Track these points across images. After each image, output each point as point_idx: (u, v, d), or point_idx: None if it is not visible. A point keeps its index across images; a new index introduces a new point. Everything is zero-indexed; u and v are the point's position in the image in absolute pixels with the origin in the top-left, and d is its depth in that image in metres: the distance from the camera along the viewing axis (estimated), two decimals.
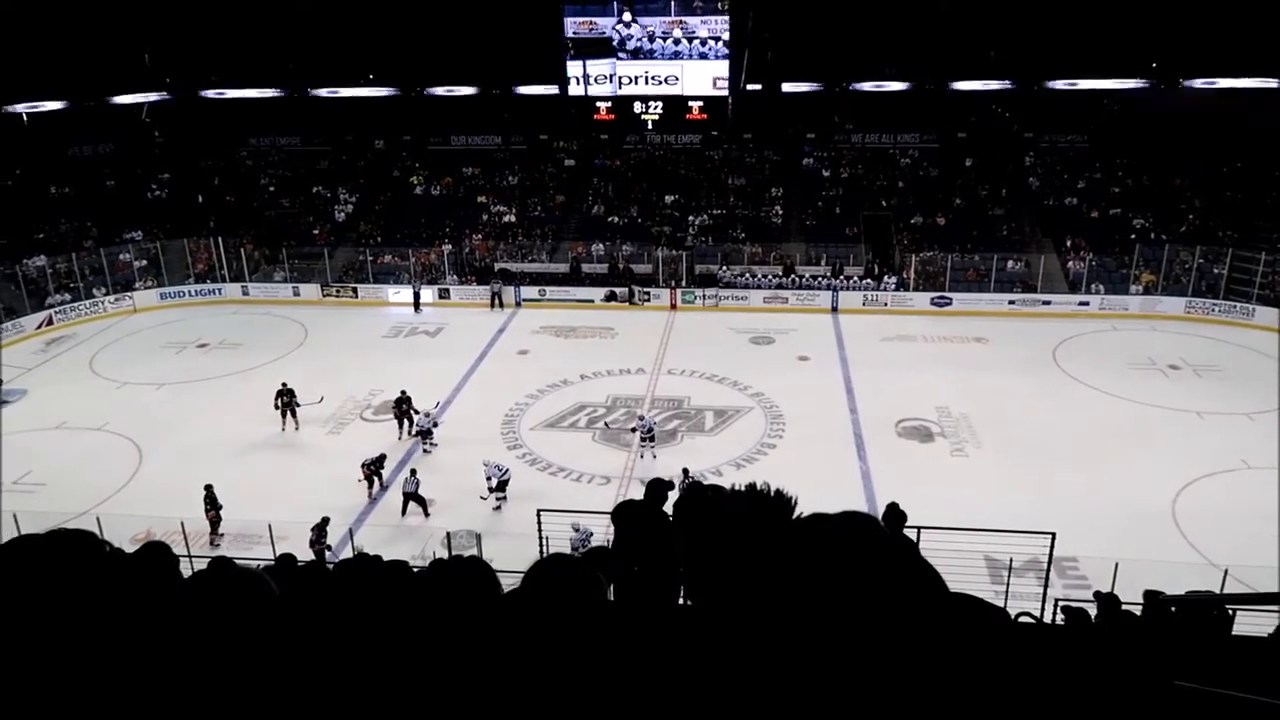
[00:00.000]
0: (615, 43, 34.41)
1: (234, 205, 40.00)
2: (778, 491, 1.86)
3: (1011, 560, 14.34)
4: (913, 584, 1.54)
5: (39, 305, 32.82)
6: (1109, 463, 20.86)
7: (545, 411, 24.51)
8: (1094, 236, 34.96)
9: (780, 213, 38.43)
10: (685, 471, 18.64)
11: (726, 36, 33.84)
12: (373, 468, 19.97)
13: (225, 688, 1.67)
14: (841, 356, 28.81)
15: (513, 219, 39.05)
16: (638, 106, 36.42)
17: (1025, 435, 22.43)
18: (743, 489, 1.92)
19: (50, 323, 32.48)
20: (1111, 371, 26.70)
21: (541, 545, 14.00)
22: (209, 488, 18.39)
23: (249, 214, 39.44)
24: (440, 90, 40.71)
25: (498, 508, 19.18)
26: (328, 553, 16.84)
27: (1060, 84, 37.57)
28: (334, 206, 40.21)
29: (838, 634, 1.41)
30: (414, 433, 22.55)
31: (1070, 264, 34.15)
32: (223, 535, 18.33)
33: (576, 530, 15.69)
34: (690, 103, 36.46)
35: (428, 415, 22.46)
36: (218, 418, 24.38)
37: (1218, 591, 12.49)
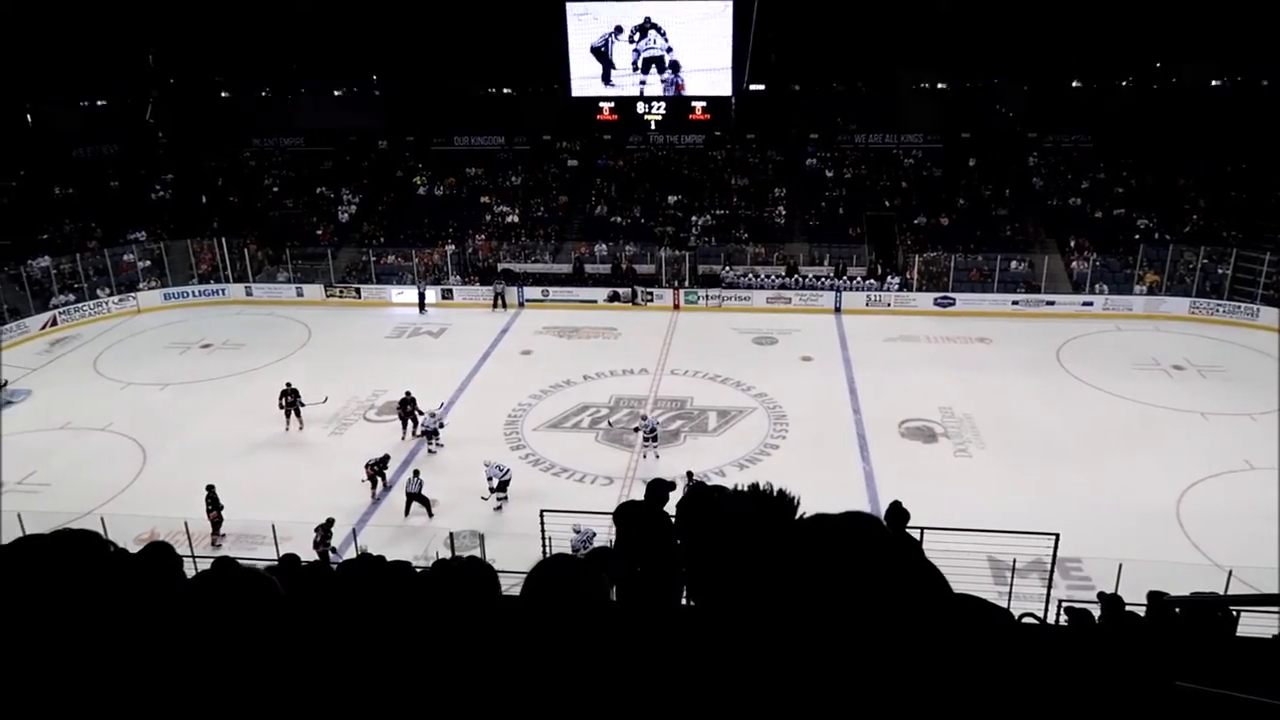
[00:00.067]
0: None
1: (238, 206, 40.06)
2: (781, 492, 1.86)
3: (1015, 561, 14.30)
4: (916, 585, 1.54)
5: (43, 306, 32.88)
6: (1113, 463, 20.82)
7: (548, 412, 24.51)
8: (1098, 237, 34.91)
9: (783, 213, 38.41)
10: (689, 474, 18.59)
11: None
12: (376, 468, 19.98)
13: (229, 687, 1.67)
14: (845, 357, 28.78)
15: (516, 219, 39.06)
16: (641, 107, 36.49)
17: (1029, 436, 22.40)
18: (746, 489, 1.92)
19: (54, 323, 32.54)
20: (1115, 372, 26.65)
21: (544, 546, 14.00)
22: (210, 488, 18.39)
23: (253, 214, 39.48)
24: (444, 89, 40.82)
25: (499, 508, 19.18)
26: (332, 554, 16.82)
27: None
28: (337, 207, 40.25)
29: (841, 634, 1.41)
30: (419, 433, 22.57)
31: (1074, 264, 34.10)
32: (224, 536, 18.31)
33: (577, 532, 15.64)
34: (693, 103, 36.54)
35: (433, 416, 22.47)
36: (221, 418, 24.41)
37: (1222, 592, 12.45)
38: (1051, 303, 32.71)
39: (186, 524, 16.80)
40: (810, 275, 34.86)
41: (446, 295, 35.14)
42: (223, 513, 18.34)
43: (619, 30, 35.71)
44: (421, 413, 22.73)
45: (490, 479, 19.33)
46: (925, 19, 37.00)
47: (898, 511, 8.45)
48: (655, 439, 21.75)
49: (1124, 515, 18.26)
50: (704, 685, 1.53)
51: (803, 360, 28.59)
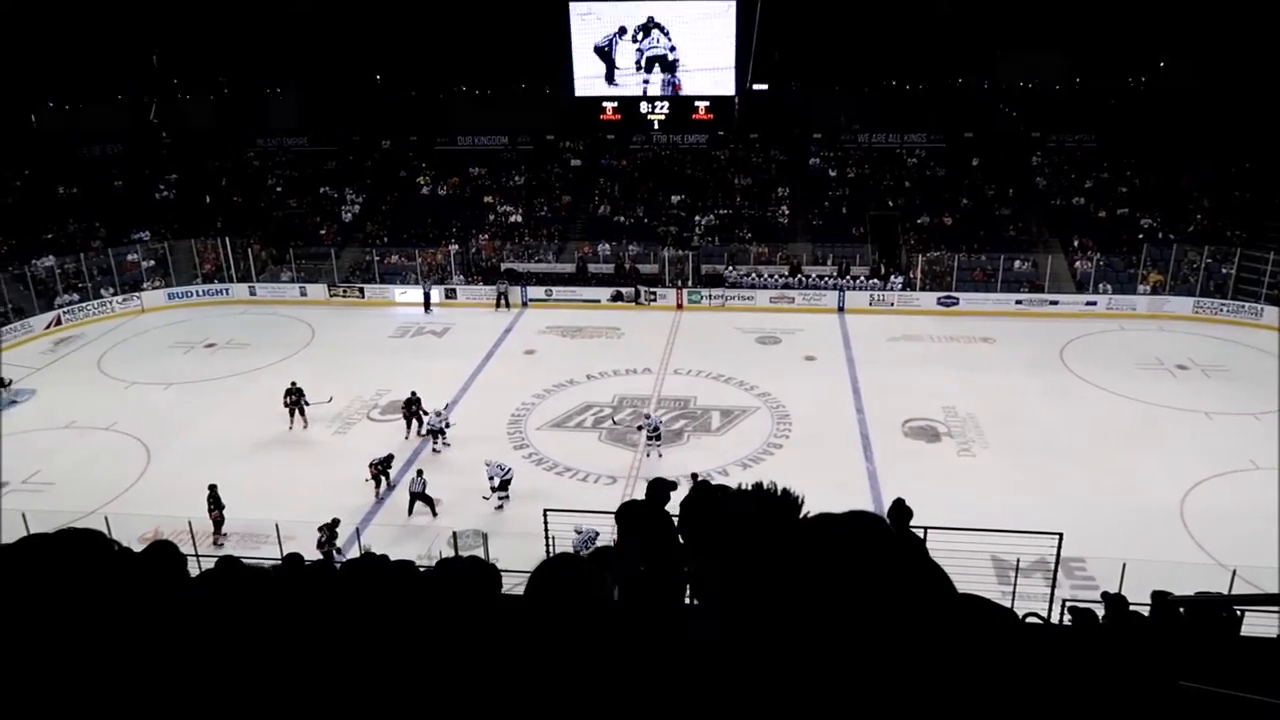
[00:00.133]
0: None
1: (241, 205, 40.11)
2: (784, 491, 1.86)
3: (1019, 560, 14.28)
4: (920, 584, 1.54)
5: (47, 305, 32.95)
6: (1116, 463, 20.79)
7: (551, 411, 24.52)
8: (1101, 236, 34.86)
9: (786, 213, 38.39)
10: (694, 476, 18.54)
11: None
12: (380, 468, 20.00)
13: (232, 684, 1.68)
14: (848, 356, 28.76)
15: (519, 219, 39.08)
16: (644, 107, 36.50)
17: (1032, 435, 22.37)
18: (749, 488, 1.92)
19: (59, 323, 32.61)
20: (1119, 371, 26.61)
21: (548, 545, 14.00)
22: (212, 487, 18.40)
23: (256, 214, 39.54)
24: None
25: (499, 507, 19.19)
26: (336, 554, 16.80)
27: None
28: (341, 207, 40.29)
29: (845, 634, 1.41)
30: (424, 432, 22.59)
31: (1078, 264, 34.05)
32: (226, 535, 18.32)
33: (579, 533, 15.62)
34: (696, 102, 36.54)
35: (439, 415, 22.49)
36: (225, 418, 24.45)
37: (1226, 592, 12.43)
38: (1055, 302, 32.66)
39: (190, 523, 16.84)
40: (813, 275, 34.83)
41: (450, 295, 35.17)
42: (224, 512, 18.36)
43: (622, 30, 35.72)
44: (427, 412, 22.75)
45: (492, 478, 19.34)
46: (926, 18, 36.96)
47: (900, 509, 8.44)
48: (658, 438, 21.75)
49: (1128, 515, 18.24)
50: (708, 685, 1.53)
51: (806, 360, 28.58)
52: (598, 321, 32.25)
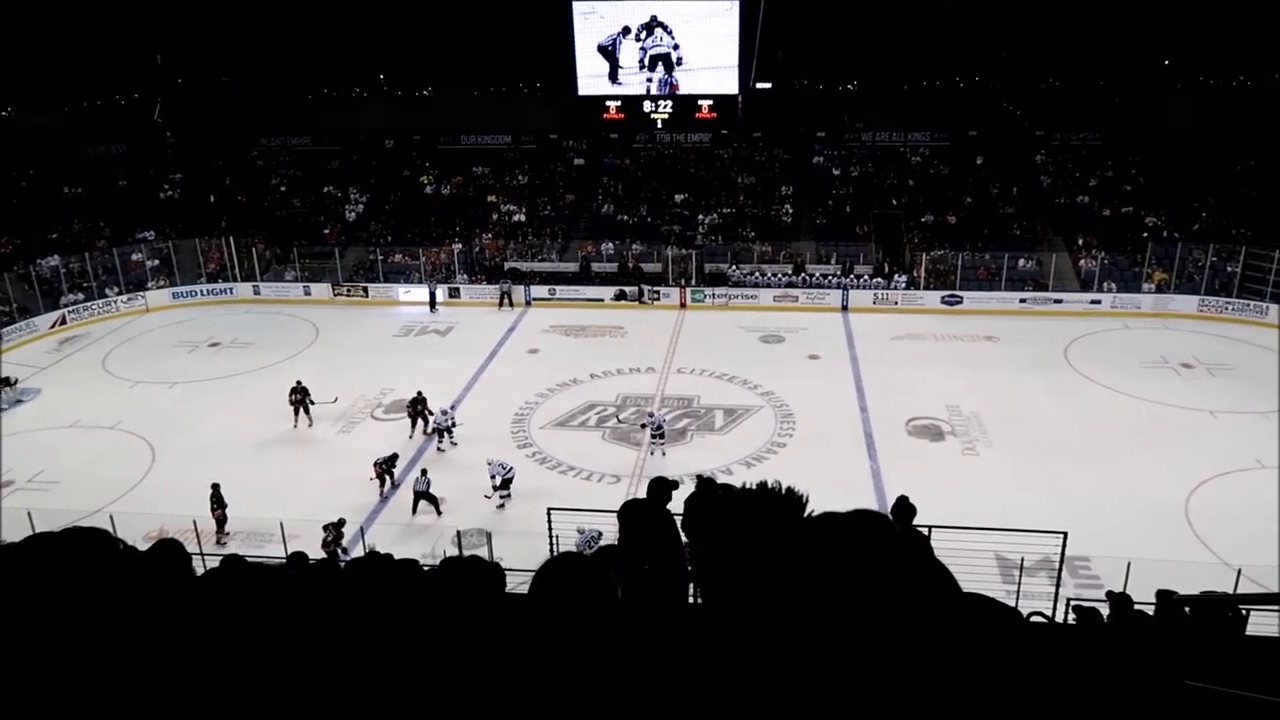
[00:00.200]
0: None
1: (245, 205, 40.16)
2: (789, 489, 1.86)
3: (1023, 559, 14.26)
4: (924, 583, 1.54)
5: (52, 305, 33.03)
6: (1121, 461, 20.75)
7: (555, 410, 24.53)
8: (1106, 235, 34.79)
9: (790, 211, 38.36)
10: (699, 477, 18.54)
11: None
12: (384, 467, 20.01)
13: (238, 683, 1.68)
14: (852, 355, 28.74)
15: (522, 218, 39.09)
16: (648, 105, 36.49)
17: (1036, 434, 22.33)
18: (754, 487, 1.92)
19: (63, 322, 32.69)
20: (1124, 370, 26.56)
21: (551, 544, 14.00)
22: (215, 486, 18.40)
23: (260, 214, 39.58)
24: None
25: (501, 506, 19.20)
26: (341, 554, 16.80)
27: None
28: (344, 206, 40.33)
29: (849, 633, 1.40)
30: (430, 430, 22.61)
31: (1082, 262, 33.99)
32: (229, 534, 18.33)
33: (581, 533, 15.62)
34: (700, 101, 36.51)
35: (445, 414, 22.50)
36: (230, 417, 24.49)
37: (1231, 591, 12.40)
38: (1059, 301, 32.61)
39: (195, 522, 16.87)
40: (817, 274, 34.81)
41: (453, 294, 35.20)
42: (227, 511, 18.36)
43: (626, 29, 35.71)
44: (432, 412, 22.77)
45: (493, 477, 19.35)
46: (929, 17, 36.91)
47: (904, 506, 8.45)
48: (662, 437, 21.75)
49: (1132, 514, 18.20)
50: (713, 684, 1.53)
51: (810, 359, 28.56)
52: (601, 320, 32.26)
